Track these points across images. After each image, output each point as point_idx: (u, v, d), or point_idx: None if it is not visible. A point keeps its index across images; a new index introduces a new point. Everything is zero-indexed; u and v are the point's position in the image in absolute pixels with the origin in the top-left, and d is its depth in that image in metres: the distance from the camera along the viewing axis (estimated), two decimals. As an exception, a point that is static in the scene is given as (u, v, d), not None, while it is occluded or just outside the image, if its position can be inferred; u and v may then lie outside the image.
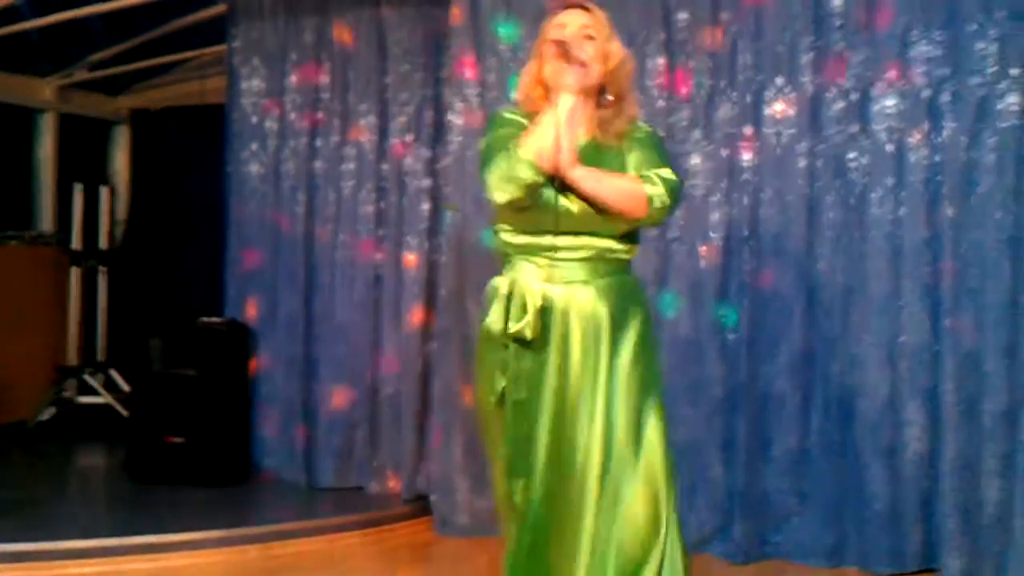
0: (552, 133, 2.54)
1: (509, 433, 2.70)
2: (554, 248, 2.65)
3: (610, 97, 2.69)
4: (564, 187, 2.59)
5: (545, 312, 2.65)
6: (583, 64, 2.60)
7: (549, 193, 2.59)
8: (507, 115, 2.77)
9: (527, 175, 2.54)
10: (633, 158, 2.69)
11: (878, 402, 4.02)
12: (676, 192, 2.66)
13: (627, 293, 2.73)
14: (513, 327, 2.64)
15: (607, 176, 2.63)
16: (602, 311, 2.65)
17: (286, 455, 5.17)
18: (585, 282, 2.66)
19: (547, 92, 2.66)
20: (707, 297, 4.31)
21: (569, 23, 2.68)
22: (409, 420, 4.90)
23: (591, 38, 2.66)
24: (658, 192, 2.61)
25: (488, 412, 2.77)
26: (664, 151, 2.77)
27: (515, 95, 2.82)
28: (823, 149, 4.16)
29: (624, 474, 2.60)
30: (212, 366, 5.08)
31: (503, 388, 2.69)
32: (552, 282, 2.66)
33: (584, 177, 2.59)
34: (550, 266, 2.66)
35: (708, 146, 4.32)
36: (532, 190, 2.57)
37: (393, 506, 4.81)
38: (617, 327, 2.67)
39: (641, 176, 2.63)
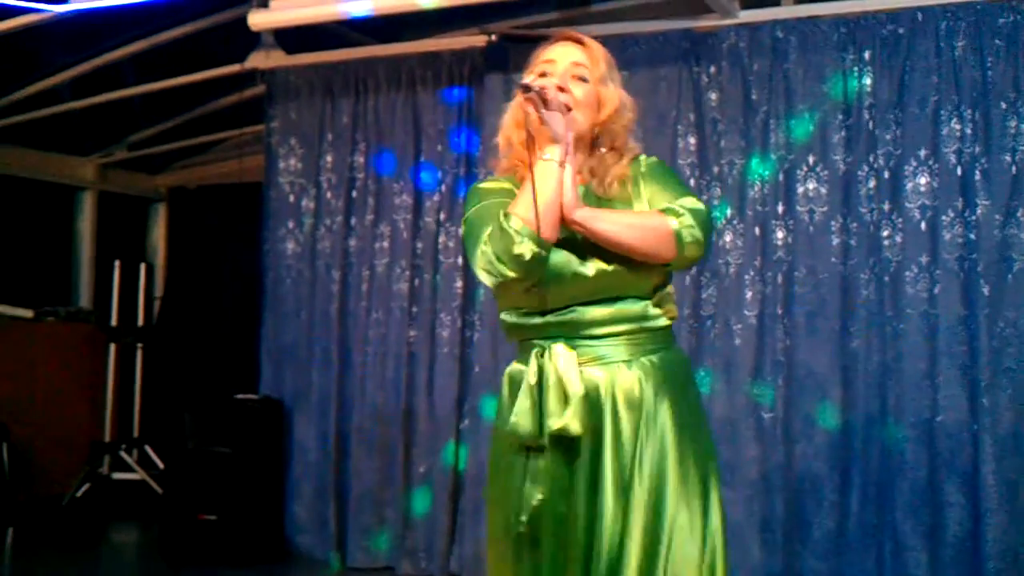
0: (547, 189, 2.11)
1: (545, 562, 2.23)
2: (579, 323, 2.19)
3: (603, 150, 2.27)
4: (574, 248, 2.17)
5: (589, 401, 2.17)
6: (566, 109, 2.17)
7: (557, 258, 2.16)
8: (485, 185, 2.33)
9: (525, 249, 2.08)
10: (646, 194, 2.26)
11: (917, 483, 3.97)
12: (706, 222, 2.21)
13: (677, 370, 2.28)
14: (555, 423, 2.15)
15: (621, 213, 2.20)
16: (650, 396, 2.20)
17: (318, 533, 5.13)
18: (627, 361, 2.20)
19: (531, 139, 2.18)
20: (742, 375, 4.28)
21: (558, 59, 2.25)
22: (441, 499, 4.87)
23: (582, 79, 2.24)
24: (686, 224, 2.16)
25: (510, 539, 2.25)
26: (679, 178, 2.38)
27: (497, 139, 2.37)
28: (856, 227, 4.16)
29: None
30: (246, 443, 5.08)
31: (538, 503, 2.20)
32: (589, 364, 2.19)
33: (591, 217, 2.14)
34: (582, 345, 2.19)
35: (740, 224, 4.33)
36: (534, 265, 2.11)
37: (425, 586, 4.77)
38: (675, 413, 2.21)
39: (662, 210, 2.19)
